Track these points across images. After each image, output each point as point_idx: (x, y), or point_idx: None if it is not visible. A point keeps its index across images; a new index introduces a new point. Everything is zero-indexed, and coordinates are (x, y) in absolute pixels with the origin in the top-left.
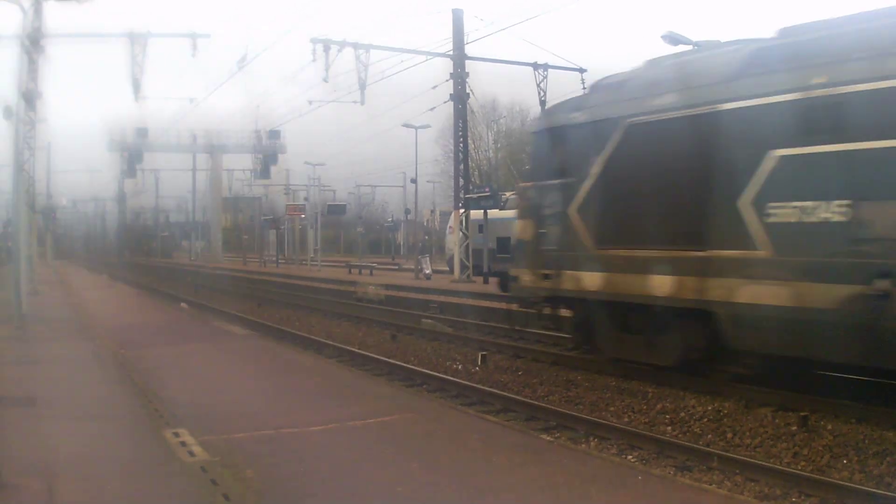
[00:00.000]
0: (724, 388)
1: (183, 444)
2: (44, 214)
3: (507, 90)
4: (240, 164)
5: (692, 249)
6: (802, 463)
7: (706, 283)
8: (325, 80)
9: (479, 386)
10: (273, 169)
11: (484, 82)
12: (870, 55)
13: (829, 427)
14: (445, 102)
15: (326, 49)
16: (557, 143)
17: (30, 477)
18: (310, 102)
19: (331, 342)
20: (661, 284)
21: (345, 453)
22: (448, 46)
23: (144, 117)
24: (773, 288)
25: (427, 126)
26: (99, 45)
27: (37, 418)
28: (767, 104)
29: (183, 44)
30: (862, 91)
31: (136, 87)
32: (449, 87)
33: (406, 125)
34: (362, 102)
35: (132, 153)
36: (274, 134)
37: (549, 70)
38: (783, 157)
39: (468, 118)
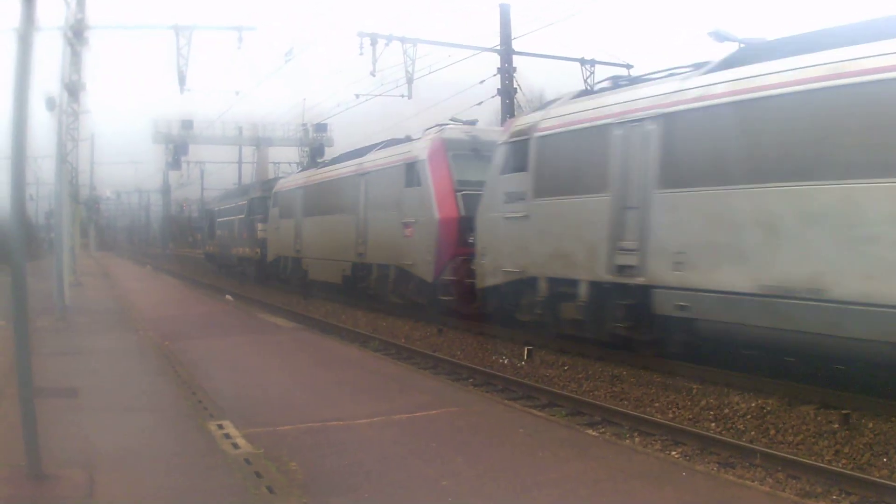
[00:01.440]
0: (767, 384)
1: (227, 436)
2: (87, 206)
3: (555, 84)
4: (286, 156)
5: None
6: (843, 461)
7: None
8: (373, 74)
9: (524, 380)
10: (319, 162)
11: (531, 77)
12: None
13: (870, 425)
14: (493, 97)
15: (374, 43)
16: None
17: (71, 468)
18: (357, 96)
19: (376, 335)
20: None
21: (390, 447)
22: (495, 41)
23: (190, 109)
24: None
25: (475, 121)
26: (144, 37)
27: (78, 410)
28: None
29: (229, 36)
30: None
31: (182, 79)
32: (496, 82)
33: (453, 119)
34: (409, 96)
35: (177, 145)
36: (321, 127)
37: (596, 65)
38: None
39: (515, 113)
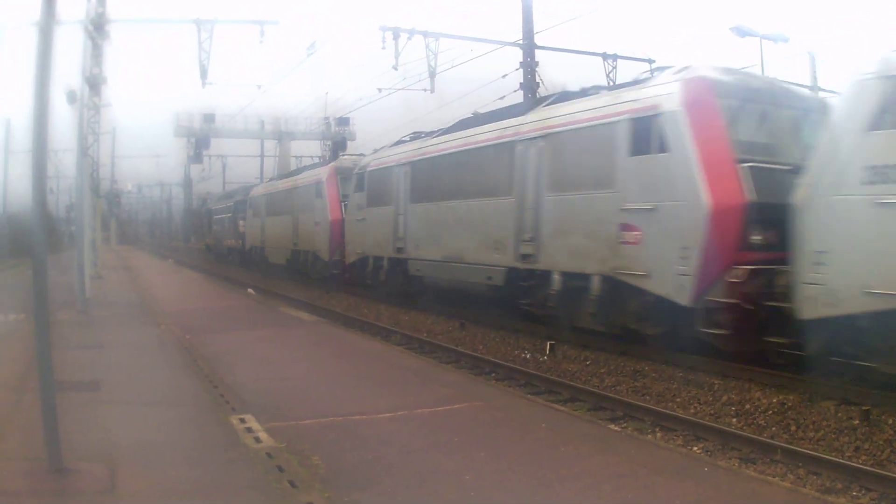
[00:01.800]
0: (788, 380)
1: (249, 430)
2: (108, 199)
3: (577, 79)
4: (308, 150)
5: None
6: (864, 457)
7: None
8: (395, 68)
9: (547, 375)
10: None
11: (553, 71)
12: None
13: (891, 421)
14: (515, 91)
15: (396, 37)
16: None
17: (92, 462)
18: (379, 90)
19: (399, 329)
20: None
21: (412, 441)
22: (517, 35)
23: (212, 103)
24: None
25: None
26: (165, 30)
27: (100, 403)
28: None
29: (251, 30)
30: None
31: (204, 72)
32: (519, 76)
33: (476, 114)
34: (432, 90)
35: (199, 139)
36: (343, 121)
37: (619, 60)
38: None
39: None
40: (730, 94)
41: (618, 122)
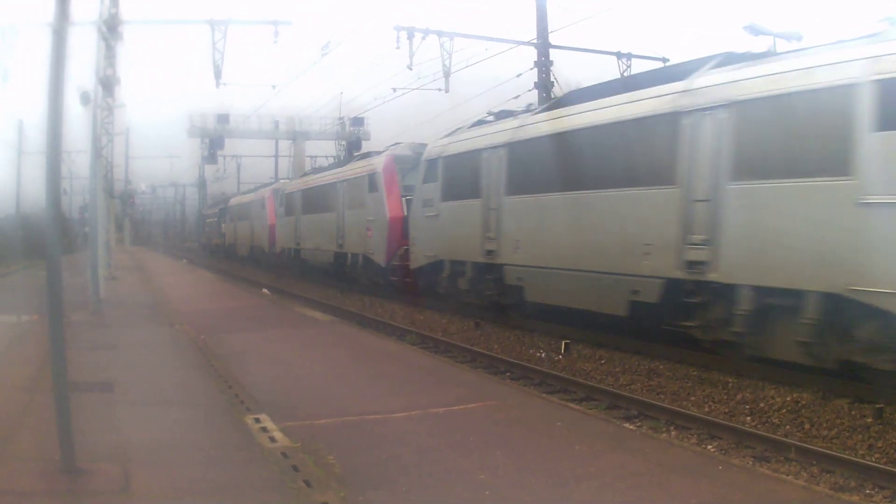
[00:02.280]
0: (802, 379)
1: (264, 429)
2: (122, 200)
3: (591, 78)
4: (323, 150)
5: None
6: (877, 455)
7: None
8: (410, 68)
9: (562, 374)
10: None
11: (568, 70)
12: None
13: None
14: (530, 91)
15: (410, 36)
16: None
17: (106, 462)
18: (394, 90)
19: (414, 329)
20: None
21: (428, 440)
22: (532, 34)
23: (226, 103)
24: None
25: None
26: (179, 31)
27: (114, 404)
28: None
29: (265, 30)
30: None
31: (218, 73)
32: (533, 75)
33: (491, 113)
34: (447, 90)
35: (213, 139)
36: (357, 121)
37: (633, 59)
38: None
39: None
40: (401, 163)
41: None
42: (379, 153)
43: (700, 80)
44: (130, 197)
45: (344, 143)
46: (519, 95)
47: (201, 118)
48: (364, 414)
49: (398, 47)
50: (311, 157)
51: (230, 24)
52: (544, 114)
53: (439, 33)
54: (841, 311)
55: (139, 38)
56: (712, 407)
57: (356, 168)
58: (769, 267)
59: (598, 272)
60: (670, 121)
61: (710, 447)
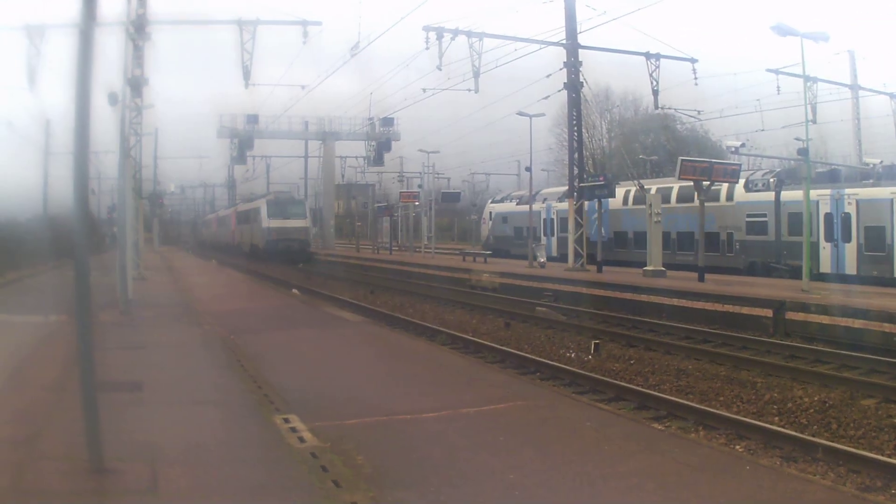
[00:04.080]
0: (830, 379)
1: (293, 430)
2: (150, 200)
3: (620, 79)
4: (353, 150)
5: None
6: None
7: None
8: (439, 68)
9: (591, 374)
10: (386, 156)
11: (597, 71)
12: None
13: None
14: (559, 91)
15: (439, 37)
16: None
17: (134, 462)
18: (423, 90)
19: (444, 329)
20: None
21: (457, 440)
22: (561, 35)
23: (255, 103)
24: None
25: (541, 115)
26: (207, 31)
27: (142, 404)
28: None
29: (294, 31)
30: None
31: (246, 73)
32: (562, 76)
33: (520, 113)
34: (476, 90)
35: (242, 139)
36: (387, 121)
37: (662, 60)
38: None
39: (582, 107)
40: (270, 203)
41: None
42: (262, 196)
43: None
44: (159, 197)
45: (374, 143)
46: (549, 96)
47: (230, 118)
48: (394, 414)
49: (427, 48)
50: (340, 157)
51: (259, 24)
52: None
53: (468, 34)
54: None
55: (167, 38)
56: (741, 407)
57: (257, 203)
58: None
59: None
60: None
61: (738, 447)
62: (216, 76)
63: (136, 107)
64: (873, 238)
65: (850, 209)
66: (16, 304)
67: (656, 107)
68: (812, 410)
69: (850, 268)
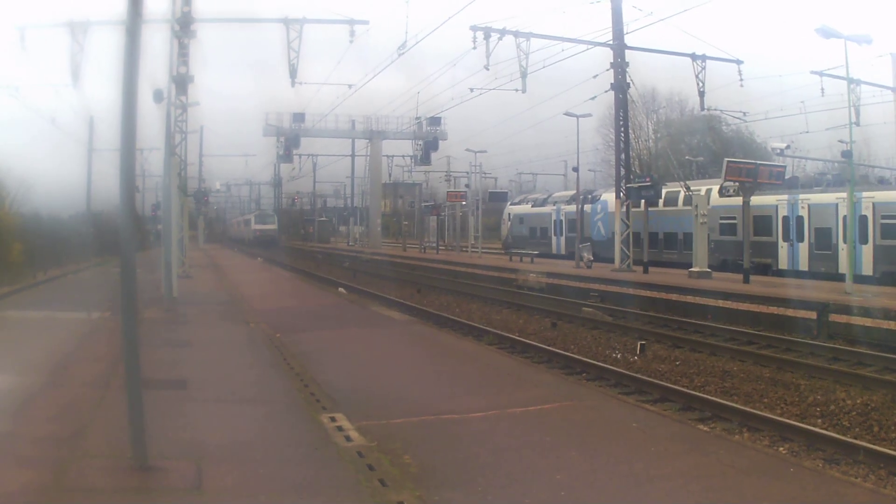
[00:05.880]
0: (873, 381)
1: (340, 428)
2: (195, 198)
3: (666, 80)
4: (400, 149)
5: None
6: None
7: None
8: (486, 68)
9: (637, 375)
10: (433, 155)
11: (643, 72)
12: None
13: None
14: (606, 92)
15: (487, 37)
16: None
17: (178, 460)
18: (471, 90)
19: (491, 329)
20: None
21: (504, 440)
22: (608, 36)
23: (301, 102)
24: None
25: (588, 115)
26: (253, 29)
27: (187, 401)
28: None
29: (341, 29)
30: None
31: (293, 72)
32: (609, 77)
33: (567, 114)
34: (523, 90)
35: (289, 138)
36: (434, 121)
37: (707, 61)
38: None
39: (628, 107)
40: (257, 217)
41: None
42: (252, 212)
43: None
44: (204, 195)
45: (421, 142)
46: (596, 96)
47: (276, 117)
48: (440, 413)
49: (475, 47)
50: (387, 156)
51: (305, 23)
52: None
53: (515, 34)
54: None
55: (213, 35)
56: (784, 409)
57: (248, 217)
58: None
59: None
60: None
61: (781, 449)
62: (262, 74)
63: (181, 104)
64: (822, 238)
65: (804, 213)
66: (59, 300)
67: (702, 108)
68: (854, 413)
69: (803, 264)
